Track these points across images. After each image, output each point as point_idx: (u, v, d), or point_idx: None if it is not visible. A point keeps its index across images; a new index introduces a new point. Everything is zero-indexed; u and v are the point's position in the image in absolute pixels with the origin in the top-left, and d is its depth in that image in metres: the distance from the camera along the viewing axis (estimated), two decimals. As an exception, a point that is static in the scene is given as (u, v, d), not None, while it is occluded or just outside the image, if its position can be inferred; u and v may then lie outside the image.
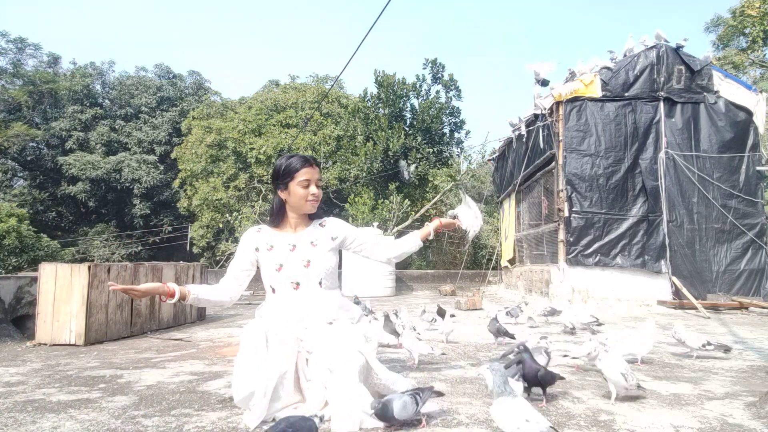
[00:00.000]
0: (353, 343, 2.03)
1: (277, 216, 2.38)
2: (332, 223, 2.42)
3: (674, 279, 6.77)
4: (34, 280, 4.23)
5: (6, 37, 22.97)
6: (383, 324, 3.48)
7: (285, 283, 2.26)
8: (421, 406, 1.87)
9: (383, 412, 1.81)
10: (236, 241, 16.55)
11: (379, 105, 15.67)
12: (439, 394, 2.09)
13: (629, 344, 2.99)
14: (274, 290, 2.29)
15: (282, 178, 2.29)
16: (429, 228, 2.49)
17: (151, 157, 23.43)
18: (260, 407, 1.89)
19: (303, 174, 2.25)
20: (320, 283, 2.27)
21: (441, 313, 5.04)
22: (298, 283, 2.24)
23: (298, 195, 2.28)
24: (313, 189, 2.28)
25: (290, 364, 2.08)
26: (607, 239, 6.94)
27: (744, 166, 7.23)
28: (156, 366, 3.09)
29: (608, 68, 7.23)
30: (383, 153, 14.58)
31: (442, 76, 15.98)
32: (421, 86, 16.02)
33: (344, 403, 1.86)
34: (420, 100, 15.97)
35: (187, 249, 20.30)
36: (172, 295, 2.15)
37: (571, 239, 6.96)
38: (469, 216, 2.70)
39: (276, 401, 1.98)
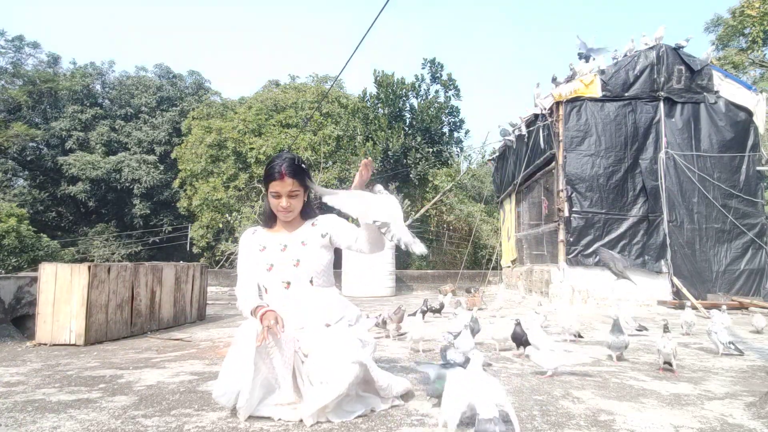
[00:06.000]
0: (349, 353, 2.01)
1: (269, 217, 2.39)
2: (323, 220, 2.40)
3: (674, 279, 6.77)
4: (34, 280, 4.22)
5: (4, 36, 22.96)
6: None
7: (276, 282, 2.26)
8: None
9: (434, 392, 2.06)
10: (236, 241, 16.55)
11: (379, 105, 15.67)
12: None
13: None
14: (266, 290, 2.29)
15: (263, 182, 2.34)
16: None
17: (151, 157, 23.42)
18: (244, 407, 1.94)
19: (273, 186, 2.25)
20: (311, 282, 2.26)
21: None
22: (288, 283, 2.24)
23: (271, 203, 2.31)
24: (282, 202, 2.24)
25: (287, 365, 2.07)
26: (607, 239, 6.94)
27: (744, 166, 7.23)
28: (156, 366, 3.09)
29: (609, 68, 7.22)
30: (383, 153, 14.59)
31: (441, 75, 15.97)
32: (420, 86, 16.01)
33: (335, 404, 1.91)
34: (419, 99, 15.97)
35: (187, 249, 20.30)
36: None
37: (571, 239, 6.96)
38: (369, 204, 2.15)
39: (270, 395, 2.02)
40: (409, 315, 4.25)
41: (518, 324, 3.20)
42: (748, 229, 7.08)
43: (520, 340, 3.16)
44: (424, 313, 4.64)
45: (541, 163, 7.93)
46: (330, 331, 2.18)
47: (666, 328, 2.88)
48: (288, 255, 2.26)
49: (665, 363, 2.85)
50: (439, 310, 5.67)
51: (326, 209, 2.38)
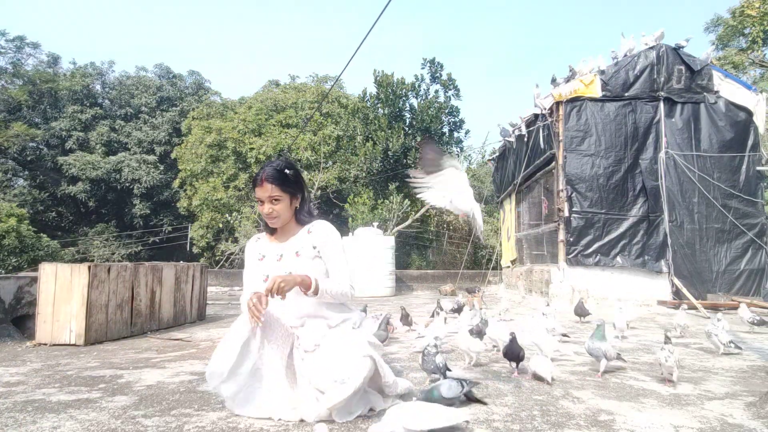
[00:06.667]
0: (359, 348, 2.01)
1: (266, 224, 2.37)
2: (318, 230, 2.27)
3: (674, 279, 6.77)
4: (34, 280, 4.22)
5: (5, 36, 22.97)
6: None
7: None
8: (466, 389, 2.15)
9: (430, 396, 2.07)
10: (236, 241, 16.58)
11: (379, 105, 15.67)
12: (475, 383, 2.30)
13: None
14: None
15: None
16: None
17: (151, 157, 23.44)
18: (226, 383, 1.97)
19: (256, 192, 2.23)
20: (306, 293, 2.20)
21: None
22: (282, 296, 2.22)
23: (260, 209, 2.29)
24: (265, 208, 2.21)
25: (282, 358, 2.08)
26: (607, 239, 6.94)
27: (744, 166, 7.23)
28: (156, 366, 3.09)
29: (609, 68, 7.23)
30: (383, 153, 14.59)
31: (441, 75, 15.97)
32: (419, 86, 16.01)
33: (347, 402, 1.92)
34: (419, 99, 15.96)
35: (187, 249, 20.30)
36: None
37: (571, 239, 6.96)
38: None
39: (266, 393, 2.03)
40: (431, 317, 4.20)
41: (513, 338, 2.75)
42: (748, 229, 7.07)
43: (517, 355, 2.75)
44: (435, 314, 4.62)
45: (541, 163, 7.93)
46: (336, 331, 2.17)
47: (667, 339, 2.64)
48: (282, 266, 2.22)
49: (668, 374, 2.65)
50: (458, 311, 5.61)
51: (323, 214, 2.34)
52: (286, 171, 2.21)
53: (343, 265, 2.24)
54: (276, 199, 2.20)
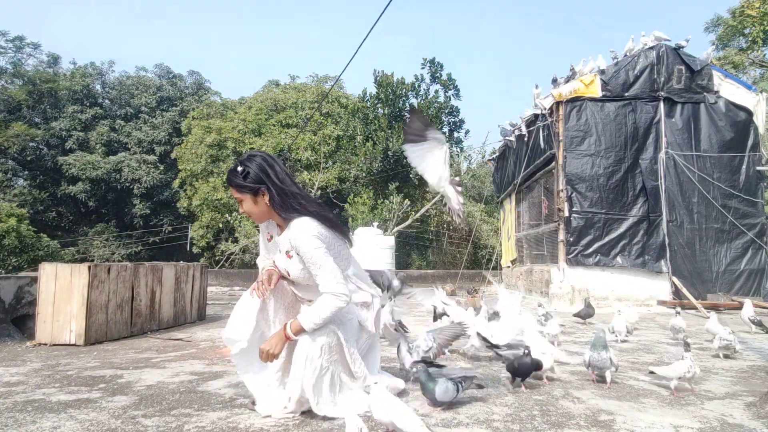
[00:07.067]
0: (329, 326, 2.01)
1: None
2: (292, 235, 2.03)
3: (674, 279, 6.77)
4: (34, 280, 4.22)
5: (5, 36, 22.98)
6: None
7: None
8: (461, 393, 2.10)
9: (425, 392, 2.04)
10: (236, 241, 16.58)
11: (379, 105, 15.68)
12: (480, 386, 2.31)
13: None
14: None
15: None
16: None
17: (151, 157, 23.43)
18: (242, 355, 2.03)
19: None
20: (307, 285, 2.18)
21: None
22: (291, 282, 2.23)
23: None
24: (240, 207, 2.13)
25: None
26: (607, 239, 6.94)
27: (744, 166, 7.23)
28: (156, 366, 3.09)
29: (609, 68, 7.23)
30: (383, 153, 14.60)
31: (441, 75, 15.99)
32: (419, 86, 16.03)
33: (297, 382, 1.95)
34: (419, 99, 15.98)
35: (187, 249, 20.30)
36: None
37: (571, 239, 6.95)
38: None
39: (270, 388, 2.08)
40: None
41: (528, 353, 2.40)
42: (748, 229, 7.07)
43: (526, 370, 2.39)
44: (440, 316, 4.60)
45: (541, 163, 7.93)
46: None
47: (687, 346, 2.38)
48: (281, 262, 2.16)
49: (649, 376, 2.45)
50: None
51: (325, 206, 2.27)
52: (238, 170, 2.05)
53: (322, 270, 1.96)
54: (240, 200, 2.09)
